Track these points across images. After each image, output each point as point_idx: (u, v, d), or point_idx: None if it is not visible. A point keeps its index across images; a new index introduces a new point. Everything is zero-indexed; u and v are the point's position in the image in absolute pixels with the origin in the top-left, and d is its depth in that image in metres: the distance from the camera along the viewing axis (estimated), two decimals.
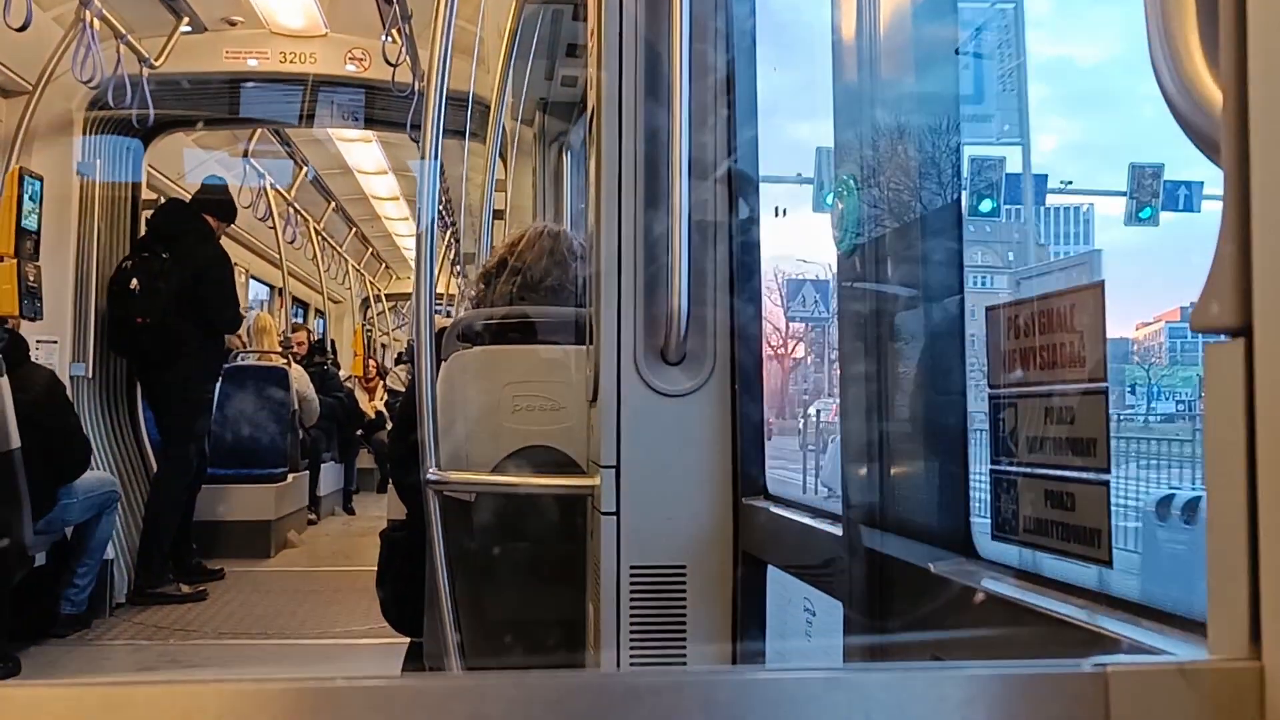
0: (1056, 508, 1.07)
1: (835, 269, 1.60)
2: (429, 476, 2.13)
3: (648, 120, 1.87)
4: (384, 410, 11.65)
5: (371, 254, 15.01)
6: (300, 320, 12.72)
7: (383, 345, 16.55)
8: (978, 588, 1.13)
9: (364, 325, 15.05)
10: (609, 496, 1.90)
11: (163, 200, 6.94)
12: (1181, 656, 0.56)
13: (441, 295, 10.31)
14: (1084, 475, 1.03)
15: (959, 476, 1.35)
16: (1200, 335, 0.61)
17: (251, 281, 11.32)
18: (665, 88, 1.82)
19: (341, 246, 13.23)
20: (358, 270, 14.55)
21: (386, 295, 16.68)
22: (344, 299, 14.50)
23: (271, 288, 11.86)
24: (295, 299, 12.72)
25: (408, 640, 2.86)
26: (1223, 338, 0.60)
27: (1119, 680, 0.53)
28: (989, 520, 1.21)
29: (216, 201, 6.50)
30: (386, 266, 16.09)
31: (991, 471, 1.20)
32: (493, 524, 2.46)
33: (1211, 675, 0.53)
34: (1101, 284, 1.05)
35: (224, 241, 6.55)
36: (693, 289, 1.85)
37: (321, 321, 12.99)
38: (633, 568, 1.89)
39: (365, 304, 15.66)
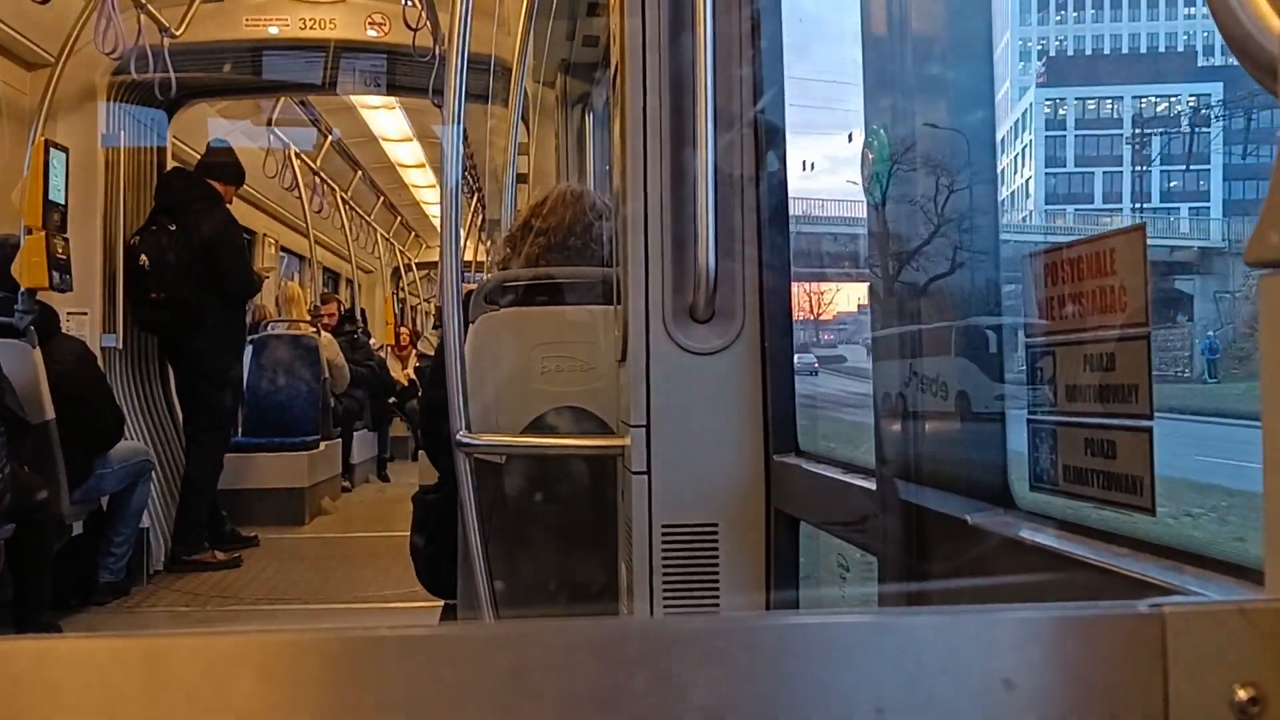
0: (1097, 456, 1.05)
1: (866, 219, 1.58)
2: (460, 439, 2.13)
3: (672, 73, 1.84)
4: (416, 378, 11.70)
5: (400, 222, 15.01)
6: (331, 290, 12.75)
7: (415, 310, 16.60)
8: (1017, 538, 1.12)
9: (395, 294, 15.08)
10: (640, 456, 1.89)
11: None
12: (1239, 597, 0.55)
13: (469, 263, 10.31)
14: (1126, 422, 1.01)
15: (996, 427, 1.34)
16: (1256, 269, 0.59)
17: (282, 252, 11.34)
18: (689, 39, 1.80)
19: (370, 215, 13.24)
20: (387, 239, 14.57)
21: (417, 264, 16.71)
22: (374, 268, 14.52)
23: (300, 258, 11.91)
24: (326, 269, 12.75)
25: (441, 603, 2.88)
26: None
27: (1176, 621, 0.52)
28: (1027, 471, 1.19)
29: (221, 165, 6.35)
30: (416, 235, 16.10)
31: (1029, 421, 1.18)
32: (524, 486, 2.46)
33: (1272, 615, 0.51)
34: (1143, 227, 1.03)
35: (256, 214, 6.49)
36: (720, 245, 1.83)
37: (351, 291, 13.03)
38: (664, 526, 1.89)
39: (396, 273, 15.69)
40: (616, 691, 0.48)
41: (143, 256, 5.98)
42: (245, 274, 6.34)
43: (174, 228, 6.01)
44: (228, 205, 6.30)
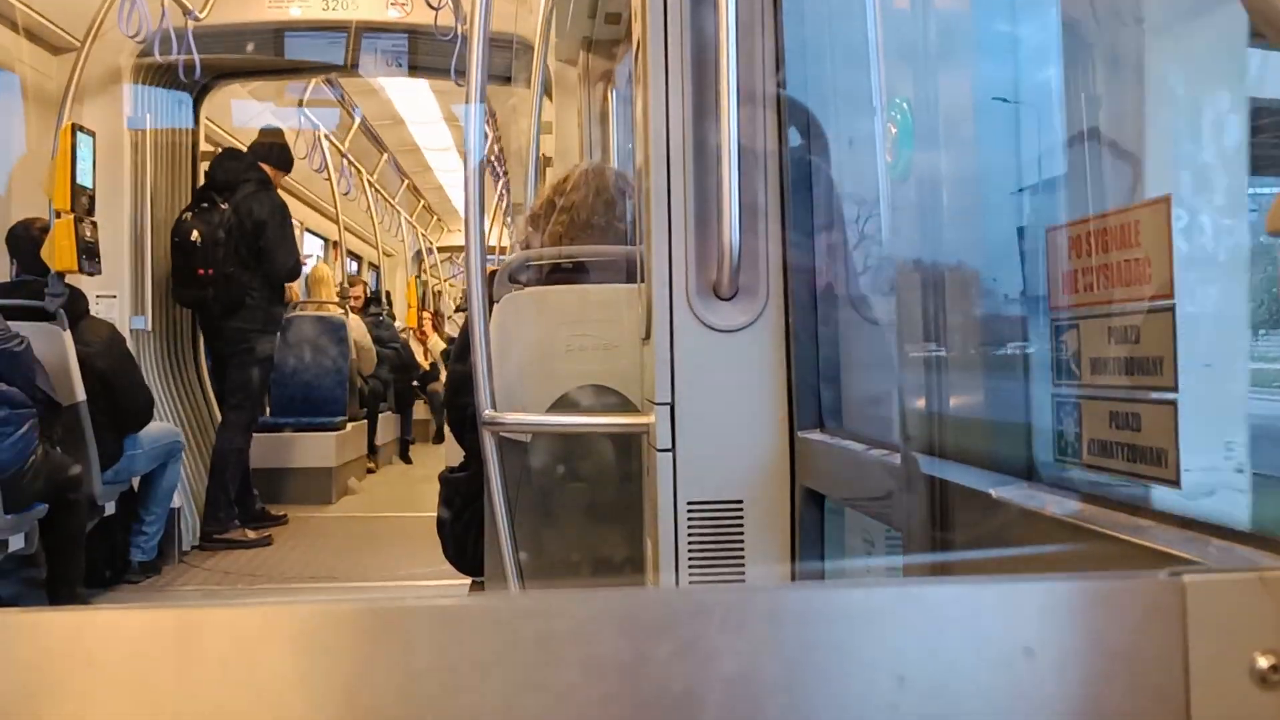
0: (1122, 429, 1.05)
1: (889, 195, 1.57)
2: (485, 418, 2.15)
3: (694, 47, 1.84)
4: (439, 361, 11.75)
5: (423, 206, 15.06)
6: (355, 273, 12.82)
7: (436, 293, 16.70)
8: (1042, 512, 1.12)
9: (418, 277, 15.15)
10: (664, 433, 1.90)
11: (220, 151, 6.99)
12: (1259, 565, 0.55)
13: (494, 248, 10.35)
14: (1151, 395, 1.01)
15: (1019, 401, 1.33)
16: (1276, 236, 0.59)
17: (306, 235, 11.39)
18: (711, 13, 1.79)
19: (394, 199, 13.28)
20: (410, 223, 14.62)
21: (439, 248, 16.77)
22: (396, 252, 14.59)
23: (326, 241, 11.96)
24: (349, 252, 12.81)
25: (469, 581, 2.91)
26: None
27: (1196, 589, 0.52)
28: (1051, 444, 1.19)
29: (272, 148, 6.50)
30: (438, 219, 16.15)
31: (1053, 395, 1.18)
32: (549, 463, 2.47)
33: None
34: (1168, 199, 1.02)
35: (284, 195, 6.57)
36: (744, 221, 1.82)
37: (375, 275, 13.09)
38: (690, 504, 1.89)
39: (418, 256, 15.75)
40: (640, 659, 0.49)
41: (194, 232, 6.09)
42: (292, 258, 6.46)
43: (225, 206, 6.11)
44: (277, 189, 6.40)
